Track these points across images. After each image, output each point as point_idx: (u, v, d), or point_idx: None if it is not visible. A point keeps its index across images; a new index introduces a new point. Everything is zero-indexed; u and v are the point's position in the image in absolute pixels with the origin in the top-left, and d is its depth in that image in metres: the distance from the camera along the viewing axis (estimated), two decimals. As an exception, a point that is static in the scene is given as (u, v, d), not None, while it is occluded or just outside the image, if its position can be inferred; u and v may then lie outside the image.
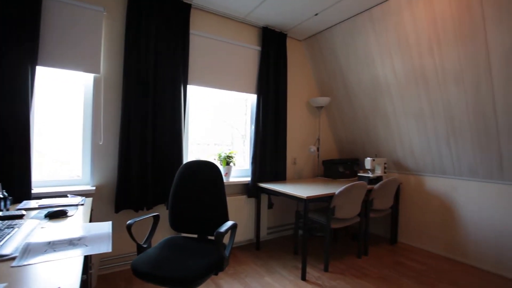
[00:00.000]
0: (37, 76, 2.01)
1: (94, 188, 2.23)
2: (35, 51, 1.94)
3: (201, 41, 2.80)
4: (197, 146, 2.98)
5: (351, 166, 3.58)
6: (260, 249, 3.02)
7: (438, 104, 2.64)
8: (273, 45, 3.17)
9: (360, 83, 3.21)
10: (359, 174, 3.15)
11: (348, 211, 2.60)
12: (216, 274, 1.49)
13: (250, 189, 3.01)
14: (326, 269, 2.54)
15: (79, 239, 1.16)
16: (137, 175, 2.34)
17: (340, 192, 2.48)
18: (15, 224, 1.26)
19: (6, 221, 1.30)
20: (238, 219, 2.93)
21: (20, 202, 1.80)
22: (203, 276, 1.37)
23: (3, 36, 1.84)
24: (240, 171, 3.21)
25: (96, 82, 2.31)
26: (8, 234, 1.13)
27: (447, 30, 2.31)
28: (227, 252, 1.54)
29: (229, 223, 1.54)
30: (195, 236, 1.87)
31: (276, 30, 3.22)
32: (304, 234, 2.37)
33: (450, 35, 2.31)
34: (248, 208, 3.02)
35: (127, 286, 2.18)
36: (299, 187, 2.74)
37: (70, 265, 0.90)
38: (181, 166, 1.85)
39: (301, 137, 3.63)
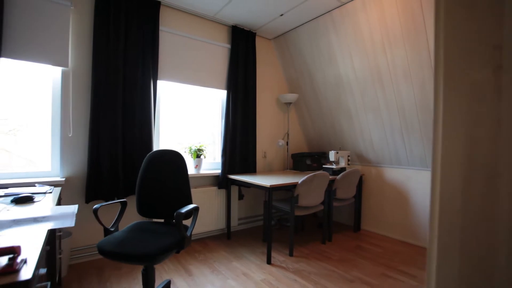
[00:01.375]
0: (1, 67, 2.03)
1: (63, 179, 2.29)
2: None
3: (171, 38, 2.90)
4: (169, 139, 3.06)
5: (318, 159, 3.79)
6: (230, 239, 3.16)
7: (391, 99, 2.89)
8: (242, 43, 3.31)
9: (325, 81, 3.43)
10: (324, 166, 3.36)
11: (311, 200, 2.80)
12: (178, 252, 1.62)
13: (220, 181, 3.14)
14: (291, 254, 2.72)
15: (44, 217, 1.25)
16: (107, 166, 2.41)
17: (303, 181, 2.67)
18: (-20, 207, 1.32)
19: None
20: (209, 209, 3.06)
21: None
22: (164, 252, 1.49)
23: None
24: (211, 164, 3.34)
25: (64, 75, 2.36)
26: (-28, 214, 1.20)
27: (395, 31, 2.55)
28: (188, 233, 1.67)
29: (191, 206, 1.67)
30: (162, 220, 1.98)
31: (245, 29, 3.37)
32: (269, 221, 2.54)
33: (398, 36, 2.56)
34: (219, 199, 3.15)
35: (98, 273, 2.25)
36: (267, 179, 2.91)
37: (34, 238, 1.00)
38: (147, 155, 1.95)
39: (271, 131, 3.81)
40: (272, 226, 3.61)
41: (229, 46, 3.29)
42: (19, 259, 0.76)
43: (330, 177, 3.03)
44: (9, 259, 0.74)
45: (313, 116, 3.85)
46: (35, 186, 1.97)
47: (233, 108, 3.24)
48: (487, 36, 0.45)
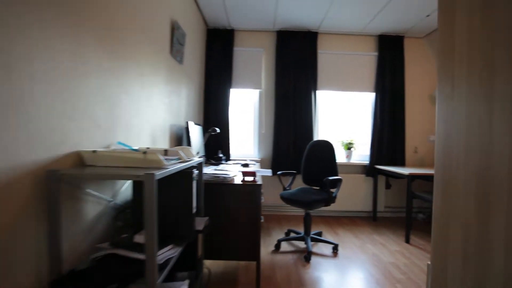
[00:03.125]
0: (232, 94, 3.65)
1: (260, 159, 3.70)
2: (230, 78, 3.57)
3: (327, 57, 3.79)
4: (326, 134, 3.97)
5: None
6: (376, 221, 3.65)
7: None
8: (389, 48, 3.71)
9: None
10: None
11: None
12: (326, 205, 2.48)
13: (368, 170, 3.71)
14: (435, 240, 2.92)
15: (257, 171, 2.45)
16: (284, 151, 3.63)
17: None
18: (224, 168, 2.73)
19: (219, 166, 2.80)
20: (357, 192, 3.71)
21: (227, 161, 3.44)
22: (316, 202, 2.39)
23: (218, 71, 3.56)
24: (361, 156, 3.94)
25: (260, 95, 3.78)
26: (216, 168, 2.58)
27: None
28: (333, 194, 2.49)
29: (336, 177, 2.48)
30: (318, 188, 2.90)
31: (392, 35, 3.73)
32: (408, 206, 2.89)
33: None
34: (366, 185, 3.73)
35: (278, 220, 3.49)
36: (412, 170, 3.21)
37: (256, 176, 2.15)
38: (309, 143, 2.93)
39: (422, 127, 3.89)
40: (421, 219, 3.74)
41: (376, 53, 3.78)
42: (256, 177, 1.88)
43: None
44: (254, 177, 1.87)
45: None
46: (246, 160, 3.42)
47: (381, 107, 3.70)
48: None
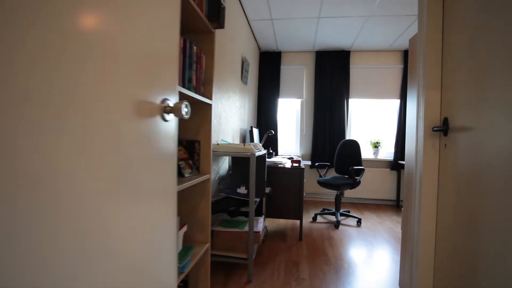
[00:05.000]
0: (278, 103, 4.62)
1: (301, 155, 4.63)
2: (278, 90, 4.54)
3: (358, 70, 4.57)
4: (357, 135, 4.75)
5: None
6: (398, 207, 4.35)
7: None
8: (413, 62, 4.36)
9: None
10: None
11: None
12: (353, 187, 3.32)
13: (392, 164, 4.42)
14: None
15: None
16: (321, 148, 4.51)
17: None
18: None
19: (271, 158, 3.79)
20: (382, 183, 4.44)
21: (276, 156, 4.42)
22: (344, 185, 3.25)
23: (268, 85, 4.56)
24: (388, 153, 4.64)
25: (302, 103, 4.70)
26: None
27: None
28: (357, 180, 3.32)
29: (360, 167, 3.31)
30: (347, 176, 3.74)
31: (417, 50, 4.37)
32: (422, 191, 3.59)
33: None
34: (391, 178, 4.44)
35: (314, 203, 4.38)
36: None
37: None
38: (341, 141, 3.78)
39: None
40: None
41: (401, 66, 4.46)
42: (301, 164, 2.83)
43: None
44: (299, 163, 2.82)
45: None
46: (291, 155, 4.36)
47: (404, 111, 4.38)
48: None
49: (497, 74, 1.06)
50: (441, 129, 1.44)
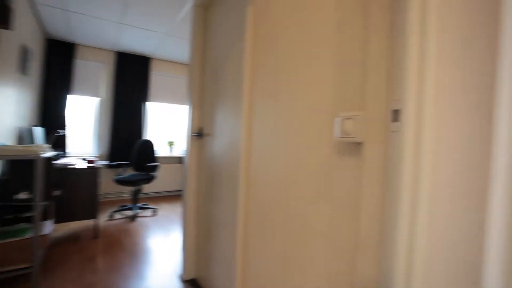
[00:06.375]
0: (69, 100, 4.27)
1: (98, 155, 4.52)
2: (70, 86, 4.20)
3: (158, 77, 5.08)
4: (154, 135, 5.25)
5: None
6: (191, 195, 5.31)
7: None
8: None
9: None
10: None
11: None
12: (147, 182, 3.78)
13: (182, 160, 5.31)
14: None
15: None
16: (119, 147, 4.63)
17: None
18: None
19: (61, 159, 3.57)
20: (175, 176, 5.23)
21: (65, 158, 4.05)
22: (140, 181, 3.66)
23: (58, 80, 4.11)
24: (182, 151, 5.49)
25: (100, 102, 4.58)
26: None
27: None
28: (152, 175, 3.83)
29: (155, 164, 3.83)
30: (144, 173, 4.15)
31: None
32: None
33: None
34: (180, 172, 5.31)
35: (113, 204, 4.46)
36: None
37: (96, 163, 3.17)
38: (138, 141, 4.13)
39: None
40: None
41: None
42: (96, 164, 2.94)
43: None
44: (94, 163, 2.92)
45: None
46: (86, 157, 4.18)
47: (195, 117, 5.39)
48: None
49: (219, 101, 1.88)
50: (198, 134, 2.20)
